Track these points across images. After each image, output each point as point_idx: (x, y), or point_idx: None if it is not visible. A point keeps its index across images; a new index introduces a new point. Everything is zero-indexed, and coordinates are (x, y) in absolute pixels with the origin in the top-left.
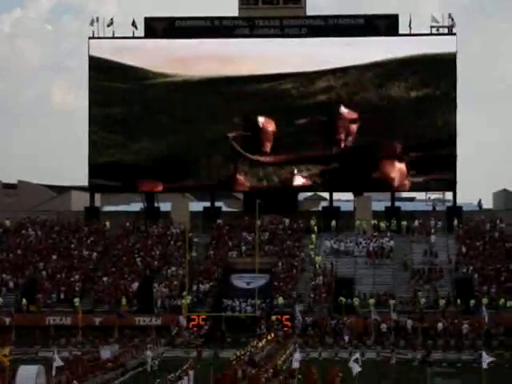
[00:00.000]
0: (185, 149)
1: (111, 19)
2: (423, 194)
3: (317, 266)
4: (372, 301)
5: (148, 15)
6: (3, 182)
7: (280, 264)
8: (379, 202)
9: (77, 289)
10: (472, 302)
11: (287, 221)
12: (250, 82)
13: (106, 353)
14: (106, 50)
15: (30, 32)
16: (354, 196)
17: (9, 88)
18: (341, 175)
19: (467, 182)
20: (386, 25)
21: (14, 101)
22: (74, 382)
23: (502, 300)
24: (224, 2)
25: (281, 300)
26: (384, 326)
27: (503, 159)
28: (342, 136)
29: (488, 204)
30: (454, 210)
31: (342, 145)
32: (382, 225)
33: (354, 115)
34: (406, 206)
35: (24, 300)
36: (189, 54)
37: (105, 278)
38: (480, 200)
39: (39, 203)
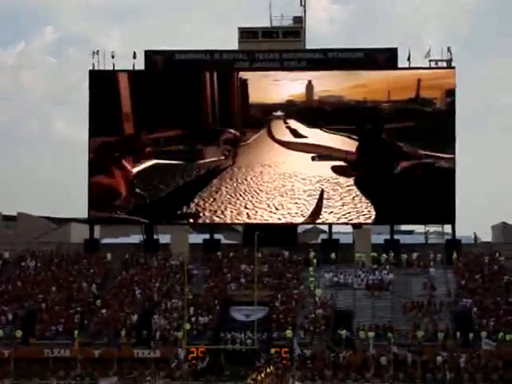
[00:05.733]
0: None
1: (112, 52)
2: (422, 226)
3: (316, 298)
4: (371, 333)
5: (149, 48)
6: (3, 213)
7: (279, 296)
8: (378, 235)
9: (76, 321)
10: (471, 335)
11: (286, 253)
12: None
13: None
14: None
15: (34, 64)
16: (353, 228)
17: (11, 120)
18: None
19: (466, 214)
20: (384, 58)
21: (16, 132)
22: None
23: (501, 333)
24: (224, 36)
25: (289, 333)
26: (383, 359)
27: (502, 192)
28: None
29: (487, 237)
30: (453, 243)
31: None
32: (381, 257)
33: None
34: (404, 239)
35: (18, 332)
36: None
37: (104, 310)
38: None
39: (39, 235)
